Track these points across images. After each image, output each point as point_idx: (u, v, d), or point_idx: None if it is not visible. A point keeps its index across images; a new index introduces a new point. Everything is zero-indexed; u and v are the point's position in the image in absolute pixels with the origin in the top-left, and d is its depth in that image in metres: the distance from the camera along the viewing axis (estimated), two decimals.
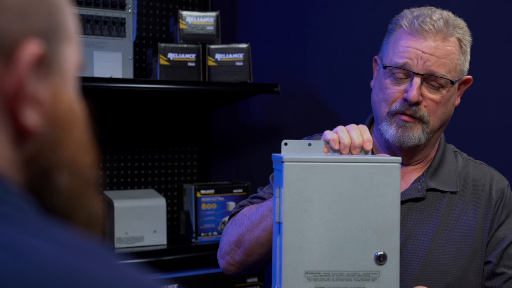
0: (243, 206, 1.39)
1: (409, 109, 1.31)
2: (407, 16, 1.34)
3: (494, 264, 1.34)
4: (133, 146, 2.26)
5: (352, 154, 1.16)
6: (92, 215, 0.57)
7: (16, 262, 0.43)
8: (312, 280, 1.04)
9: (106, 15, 1.98)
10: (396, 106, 1.32)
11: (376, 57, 1.41)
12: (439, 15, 1.32)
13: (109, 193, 2.05)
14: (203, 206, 2.09)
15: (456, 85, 1.35)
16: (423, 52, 1.29)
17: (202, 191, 2.09)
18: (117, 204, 1.97)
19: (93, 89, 1.89)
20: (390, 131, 1.32)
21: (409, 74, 1.30)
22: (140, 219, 1.98)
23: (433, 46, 1.29)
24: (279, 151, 1.14)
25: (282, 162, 1.06)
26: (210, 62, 2.08)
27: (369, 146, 1.16)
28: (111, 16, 1.99)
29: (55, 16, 0.54)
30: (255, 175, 1.54)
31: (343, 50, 2.17)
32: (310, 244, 1.05)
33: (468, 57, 1.36)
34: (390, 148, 1.37)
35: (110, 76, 1.95)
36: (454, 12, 1.37)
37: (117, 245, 1.95)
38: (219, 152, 2.46)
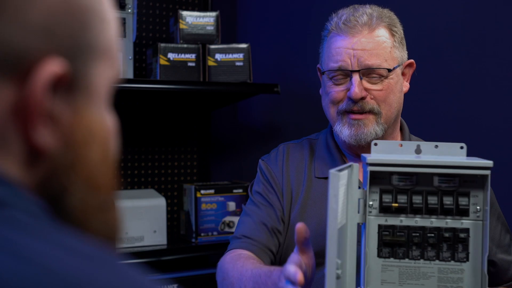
0: (235, 249, 1.36)
1: (355, 106, 1.33)
2: (333, 20, 1.38)
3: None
4: (133, 146, 2.26)
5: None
6: (111, 230, 0.56)
7: (21, 267, 0.43)
8: None
9: None
10: (343, 105, 1.35)
11: (318, 65, 1.44)
12: (362, 11, 1.35)
13: None
14: (203, 206, 2.09)
15: (399, 71, 1.37)
16: (353, 49, 1.33)
17: (202, 191, 2.09)
18: (117, 204, 1.96)
19: None
20: (344, 131, 1.34)
21: (348, 73, 1.33)
22: (140, 219, 1.98)
23: (362, 41, 1.33)
24: None
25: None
26: (210, 62, 2.08)
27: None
28: None
29: (87, 33, 0.53)
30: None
31: None
32: None
33: (404, 42, 1.38)
34: (351, 147, 1.39)
35: None
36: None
37: None
38: (219, 152, 2.46)
